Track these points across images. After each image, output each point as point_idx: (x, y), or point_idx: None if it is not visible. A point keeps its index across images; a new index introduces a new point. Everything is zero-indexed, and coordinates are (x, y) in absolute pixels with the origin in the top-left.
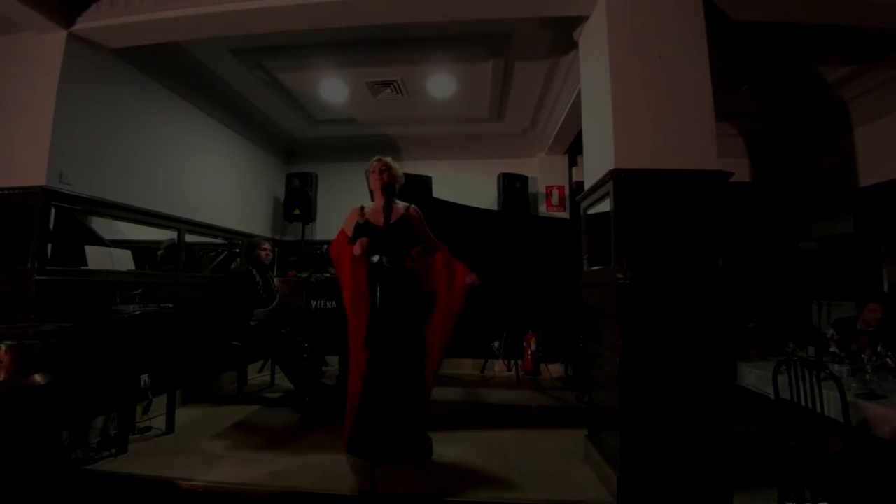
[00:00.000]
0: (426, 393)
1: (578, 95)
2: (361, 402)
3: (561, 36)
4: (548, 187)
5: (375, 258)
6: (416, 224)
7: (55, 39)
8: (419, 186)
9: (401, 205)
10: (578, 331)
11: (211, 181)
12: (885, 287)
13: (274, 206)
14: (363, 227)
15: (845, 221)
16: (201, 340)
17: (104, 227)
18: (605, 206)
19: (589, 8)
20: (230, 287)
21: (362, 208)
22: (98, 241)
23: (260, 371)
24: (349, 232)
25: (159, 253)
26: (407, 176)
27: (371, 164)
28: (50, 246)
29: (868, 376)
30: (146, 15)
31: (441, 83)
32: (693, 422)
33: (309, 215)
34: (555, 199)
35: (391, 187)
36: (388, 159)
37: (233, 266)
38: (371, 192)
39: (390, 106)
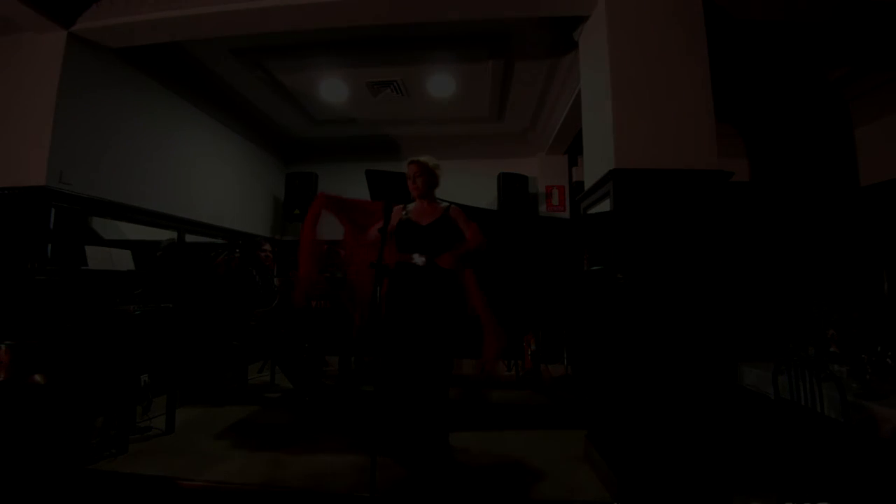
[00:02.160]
0: (445, 397)
1: (578, 95)
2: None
3: (561, 36)
4: (548, 187)
5: (419, 258)
6: (456, 219)
7: (55, 39)
8: None
9: (441, 204)
10: (578, 331)
11: (211, 181)
12: (886, 288)
13: (274, 206)
14: (405, 225)
15: (845, 221)
16: (201, 340)
17: (104, 227)
18: (605, 206)
19: (589, 8)
20: (229, 286)
21: (405, 207)
22: (98, 240)
23: (260, 371)
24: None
25: (159, 253)
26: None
27: (407, 169)
28: (50, 246)
29: (868, 376)
30: (146, 15)
31: (441, 83)
32: (693, 422)
33: None
34: (555, 199)
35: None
36: (424, 160)
37: (226, 260)
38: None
39: (390, 106)
